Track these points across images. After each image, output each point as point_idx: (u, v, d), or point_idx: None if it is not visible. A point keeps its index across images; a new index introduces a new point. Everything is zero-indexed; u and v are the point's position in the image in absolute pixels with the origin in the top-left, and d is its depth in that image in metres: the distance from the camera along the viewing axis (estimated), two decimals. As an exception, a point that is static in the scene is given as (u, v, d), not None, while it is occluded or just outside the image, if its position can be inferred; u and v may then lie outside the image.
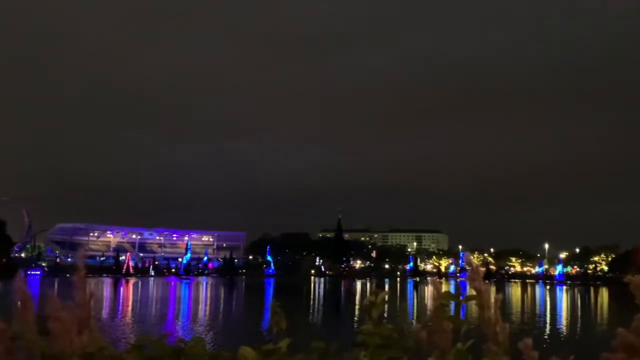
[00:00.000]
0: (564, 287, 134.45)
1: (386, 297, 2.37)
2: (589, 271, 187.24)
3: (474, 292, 2.19)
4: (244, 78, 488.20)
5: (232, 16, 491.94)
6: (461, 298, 2.28)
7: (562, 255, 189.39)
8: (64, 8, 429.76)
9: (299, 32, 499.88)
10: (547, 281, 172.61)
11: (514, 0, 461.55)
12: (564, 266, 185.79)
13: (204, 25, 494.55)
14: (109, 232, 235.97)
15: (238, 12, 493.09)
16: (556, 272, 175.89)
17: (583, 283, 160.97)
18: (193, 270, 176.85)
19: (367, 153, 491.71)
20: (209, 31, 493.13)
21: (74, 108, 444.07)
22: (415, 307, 59.47)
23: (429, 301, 59.27)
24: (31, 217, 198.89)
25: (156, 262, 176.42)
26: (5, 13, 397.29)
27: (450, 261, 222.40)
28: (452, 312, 2.23)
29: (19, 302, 2.04)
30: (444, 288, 2.14)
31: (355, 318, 41.61)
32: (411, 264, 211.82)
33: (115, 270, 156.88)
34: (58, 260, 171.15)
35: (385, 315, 2.14)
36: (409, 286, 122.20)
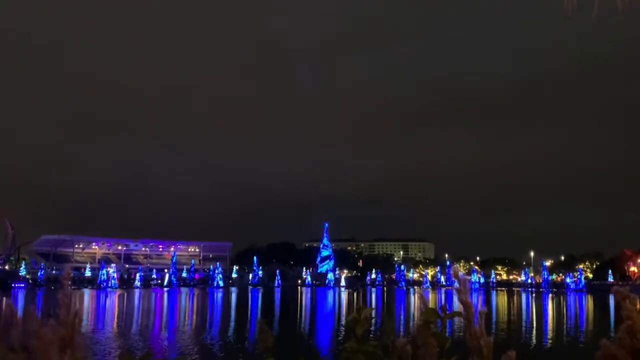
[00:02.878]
0: (550, 295, 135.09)
1: (370, 313, 2.33)
2: (574, 279, 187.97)
3: (461, 305, 2.16)
4: (229, 88, 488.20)
5: (218, 26, 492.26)
6: (447, 313, 2.22)
7: (547, 263, 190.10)
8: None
9: (283, 42, 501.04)
10: (533, 289, 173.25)
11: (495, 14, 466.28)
12: (549, 274, 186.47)
13: (190, 36, 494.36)
14: (94, 243, 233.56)
15: (223, 22, 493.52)
16: (542, 280, 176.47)
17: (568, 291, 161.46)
18: (179, 281, 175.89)
19: (352, 163, 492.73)
20: (195, 42, 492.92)
21: (57, 118, 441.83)
22: (402, 319, 59.58)
23: (415, 314, 59.38)
24: (15, 229, 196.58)
25: (142, 274, 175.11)
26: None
27: (437, 270, 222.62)
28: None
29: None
30: (430, 298, 2.13)
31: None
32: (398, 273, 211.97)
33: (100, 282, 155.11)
34: (43, 272, 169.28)
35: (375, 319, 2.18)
36: (396, 296, 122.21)
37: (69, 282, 1.99)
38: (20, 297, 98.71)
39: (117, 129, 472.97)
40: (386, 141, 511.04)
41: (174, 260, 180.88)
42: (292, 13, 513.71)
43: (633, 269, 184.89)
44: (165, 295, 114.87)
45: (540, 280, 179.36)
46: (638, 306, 1.89)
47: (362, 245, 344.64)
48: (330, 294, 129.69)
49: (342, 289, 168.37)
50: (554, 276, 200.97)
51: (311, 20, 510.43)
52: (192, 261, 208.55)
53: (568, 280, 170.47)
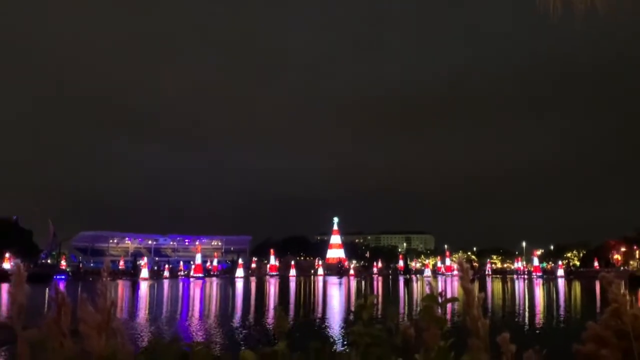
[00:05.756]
0: (541, 281, 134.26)
1: (374, 300, 2.35)
2: (563, 266, 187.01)
3: (462, 290, 2.17)
4: (241, 89, 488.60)
5: (224, 30, 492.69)
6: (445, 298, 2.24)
7: (538, 252, 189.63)
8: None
9: (288, 42, 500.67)
10: (525, 276, 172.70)
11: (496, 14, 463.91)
12: (540, 262, 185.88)
13: (197, 36, 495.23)
14: (127, 238, 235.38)
15: (228, 26, 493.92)
16: (533, 268, 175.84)
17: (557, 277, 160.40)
18: (204, 272, 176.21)
19: (359, 161, 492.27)
20: (203, 43, 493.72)
21: (81, 123, 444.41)
22: (406, 302, 59.52)
23: (418, 300, 59.22)
24: (55, 226, 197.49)
25: (170, 266, 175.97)
26: None
27: (438, 259, 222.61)
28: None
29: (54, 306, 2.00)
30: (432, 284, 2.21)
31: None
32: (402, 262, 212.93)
33: (132, 274, 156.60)
34: (81, 265, 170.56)
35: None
36: (400, 284, 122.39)
37: (106, 274, 2.04)
38: (61, 287, 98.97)
39: (144, 132, 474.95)
40: (388, 140, 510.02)
41: (199, 253, 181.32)
42: (280, 20, 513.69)
43: (617, 256, 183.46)
44: (192, 284, 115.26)
45: (532, 268, 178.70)
46: (622, 290, 1.88)
47: (369, 237, 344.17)
48: (340, 282, 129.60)
49: (351, 278, 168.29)
50: (545, 264, 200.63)
51: (303, 23, 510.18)
52: (215, 253, 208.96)
53: (558, 266, 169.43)
